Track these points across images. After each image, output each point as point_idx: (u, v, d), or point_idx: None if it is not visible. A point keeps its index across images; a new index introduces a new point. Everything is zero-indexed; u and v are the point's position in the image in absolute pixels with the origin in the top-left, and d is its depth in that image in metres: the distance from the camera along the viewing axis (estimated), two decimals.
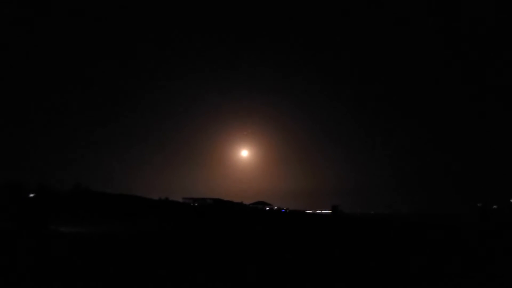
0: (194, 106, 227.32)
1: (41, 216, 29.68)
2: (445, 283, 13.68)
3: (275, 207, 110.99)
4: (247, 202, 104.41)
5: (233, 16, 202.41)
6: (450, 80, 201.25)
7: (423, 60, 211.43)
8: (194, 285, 11.94)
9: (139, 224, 39.74)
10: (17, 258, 16.39)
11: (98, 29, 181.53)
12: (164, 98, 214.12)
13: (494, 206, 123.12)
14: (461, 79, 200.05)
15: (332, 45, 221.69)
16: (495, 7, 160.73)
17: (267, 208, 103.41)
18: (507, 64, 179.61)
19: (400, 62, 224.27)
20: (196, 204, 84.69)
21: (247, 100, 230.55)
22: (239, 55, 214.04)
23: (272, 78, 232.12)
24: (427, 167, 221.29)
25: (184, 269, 14.50)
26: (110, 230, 32.18)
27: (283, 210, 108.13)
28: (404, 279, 14.12)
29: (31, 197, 51.70)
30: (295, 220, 63.74)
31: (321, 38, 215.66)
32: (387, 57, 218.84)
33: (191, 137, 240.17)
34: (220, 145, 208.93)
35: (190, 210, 67.20)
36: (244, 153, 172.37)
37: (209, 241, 25.90)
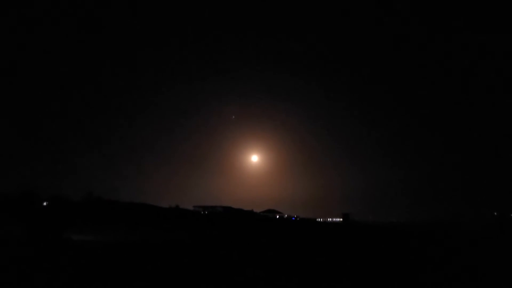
0: (204, 111, 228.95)
1: (54, 225, 30.06)
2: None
3: (286, 215, 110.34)
4: (257, 210, 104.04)
5: (250, 23, 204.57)
6: (466, 88, 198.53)
7: (432, 67, 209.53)
8: None
9: (150, 232, 39.96)
10: (30, 266, 16.64)
11: (105, 40, 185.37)
12: (172, 105, 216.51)
13: None
14: (479, 89, 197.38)
15: (346, 56, 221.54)
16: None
17: (278, 216, 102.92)
18: None
19: (409, 70, 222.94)
20: (206, 212, 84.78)
21: (258, 106, 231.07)
22: (248, 62, 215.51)
23: (283, 85, 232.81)
24: (442, 175, 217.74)
25: (194, 278, 14.54)
26: (121, 238, 32.44)
27: (294, 218, 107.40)
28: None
29: (45, 205, 52.53)
30: (306, 228, 63.23)
31: (336, 49, 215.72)
32: (396, 66, 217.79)
33: (201, 144, 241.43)
34: (230, 151, 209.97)
35: (201, 218, 67.27)
36: (254, 158, 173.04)
37: (219, 250, 25.87)
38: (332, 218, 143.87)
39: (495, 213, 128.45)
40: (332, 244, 34.85)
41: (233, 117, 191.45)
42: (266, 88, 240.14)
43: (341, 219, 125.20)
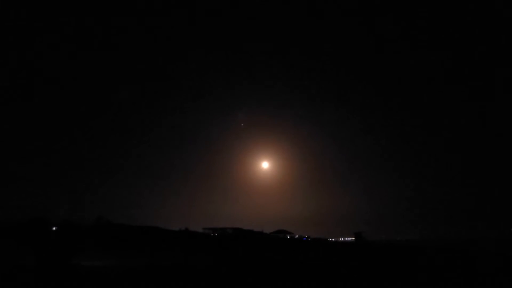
0: (213, 123, 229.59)
1: (64, 251, 29.76)
2: None
3: (297, 236, 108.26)
4: (268, 230, 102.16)
5: (261, 37, 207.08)
6: (479, 106, 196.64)
7: (443, 85, 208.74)
8: None
9: (160, 256, 39.33)
10: None
11: (114, 62, 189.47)
12: (180, 123, 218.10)
13: None
14: (494, 105, 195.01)
15: (358, 73, 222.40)
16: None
17: (288, 237, 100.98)
18: None
19: (421, 86, 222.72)
20: (216, 234, 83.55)
21: (269, 118, 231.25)
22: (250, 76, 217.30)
23: (298, 103, 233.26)
24: (455, 191, 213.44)
25: None
26: (130, 263, 31.89)
27: (305, 239, 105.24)
28: None
29: (54, 230, 52.29)
30: (318, 248, 61.79)
31: (346, 65, 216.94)
32: (414, 86, 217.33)
33: (212, 158, 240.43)
34: (241, 158, 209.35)
35: (211, 241, 66.27)
36: (265, 164, 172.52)
37: (230, 273, 25.20)
38: (343, 237, 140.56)
39: None
40: (343, 264, 33.80)
41: (242, 124, 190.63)
42: (287, 104, 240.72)
43: (353, 238, 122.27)
